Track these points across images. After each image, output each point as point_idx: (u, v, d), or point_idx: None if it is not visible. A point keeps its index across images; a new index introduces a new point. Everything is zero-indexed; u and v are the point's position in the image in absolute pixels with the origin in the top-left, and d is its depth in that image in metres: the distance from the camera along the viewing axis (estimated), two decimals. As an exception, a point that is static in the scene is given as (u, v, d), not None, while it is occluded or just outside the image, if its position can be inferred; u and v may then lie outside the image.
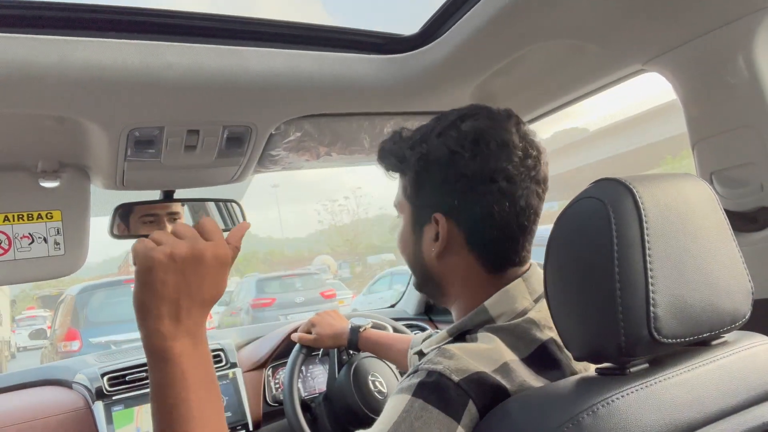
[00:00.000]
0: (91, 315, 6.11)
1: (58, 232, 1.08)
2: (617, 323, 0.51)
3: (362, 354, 1.31)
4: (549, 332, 0.66)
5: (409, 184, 0.75)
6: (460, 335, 0.69)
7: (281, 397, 1.41)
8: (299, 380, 1.42)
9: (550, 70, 1.08)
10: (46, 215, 1.07)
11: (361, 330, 1.22)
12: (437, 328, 1.82)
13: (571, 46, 0.98)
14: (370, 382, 1.25)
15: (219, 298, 0.67)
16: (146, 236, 1.32)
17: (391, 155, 0.77)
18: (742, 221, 0.89)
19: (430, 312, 1.94)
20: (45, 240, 1.06)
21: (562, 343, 0.64)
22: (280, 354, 1.48)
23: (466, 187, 0.68)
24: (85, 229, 1.11)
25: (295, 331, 1.48)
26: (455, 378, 0.57)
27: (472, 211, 0.69)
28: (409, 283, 2.01)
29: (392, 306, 2.08)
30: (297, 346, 1.32)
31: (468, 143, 0.68)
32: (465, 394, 0.57)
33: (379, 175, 0.82)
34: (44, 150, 1.03)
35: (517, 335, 0.65)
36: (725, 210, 0.61)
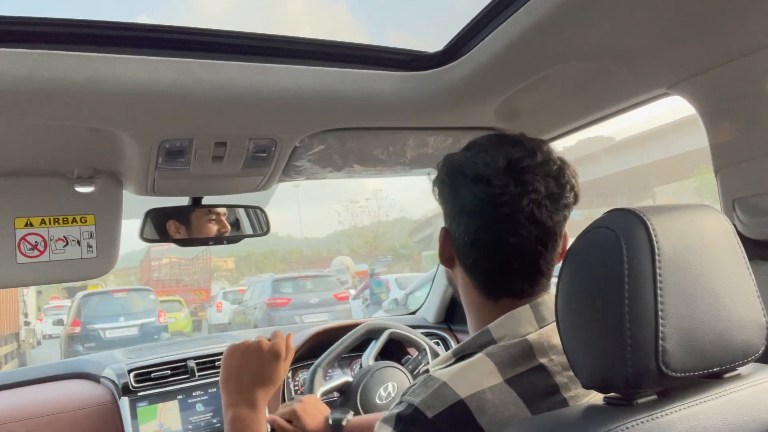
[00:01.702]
0: (88, 312, 9.96)
1: (91, 236, 1.12)
2: (625, 355, 0.51)
3: (380, 364, 1.33)
4: (542, 358, 0.67)
5: None
6: (462, 357, 0.70)
7: None
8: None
9: (574, 90, 1.09)
10: (81, 219, 1.11)
11: (343, 423, 1.13)
12: (456, 338, 1.82)
13: (597, 67, 0.98)
14: (377, 392, 1.27)
15: (277, 381, 0.97)
16: (178, 241, 1.36)
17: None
18: (764, 249, 0.88)
19: (450, 320, 1.92)
20: (78, 243, 1.11)
21: (553, 371, 0.66)
22: (299, 357, 1.51)
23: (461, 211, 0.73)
24: (117, 233, 1.16)
25: (316, 335, 1.51)
26: (429, 414, 0.61)
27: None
28: (430, 290, 2.00)
29: (412, 313, 2.08)
30: (313, 368, 1.34)
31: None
32: (436, 431, 0.60)
33: (400, 179, 0.85)
34: (80, 157, 1.08)
35: (509, 355, 0.66)
36: (747, 238, 0.61)
